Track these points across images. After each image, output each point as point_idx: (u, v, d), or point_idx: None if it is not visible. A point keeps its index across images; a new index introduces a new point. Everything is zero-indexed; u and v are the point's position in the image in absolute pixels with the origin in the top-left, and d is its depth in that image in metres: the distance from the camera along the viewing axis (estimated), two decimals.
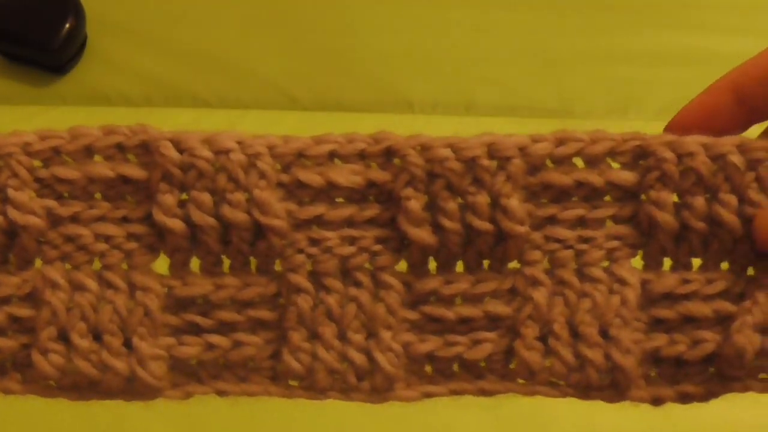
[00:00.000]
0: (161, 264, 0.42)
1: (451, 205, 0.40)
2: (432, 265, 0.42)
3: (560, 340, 0.40)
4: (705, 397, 0.41)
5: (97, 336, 0.41)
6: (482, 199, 0.40)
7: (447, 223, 0.40)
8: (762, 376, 0.40)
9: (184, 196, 0.41)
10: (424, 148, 0.40)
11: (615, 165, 0.41)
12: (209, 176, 0.40)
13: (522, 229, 0.40)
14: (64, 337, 0.41)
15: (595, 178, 0.41)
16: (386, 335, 0.41)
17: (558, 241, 0.41)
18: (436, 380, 0.42)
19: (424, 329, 0.42)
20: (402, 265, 0.42)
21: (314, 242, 0.41)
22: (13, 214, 0.40)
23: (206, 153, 0.40)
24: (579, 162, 0.41)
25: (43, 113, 0.98)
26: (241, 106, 1.01)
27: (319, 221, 0.41)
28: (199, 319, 0.41)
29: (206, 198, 0.40)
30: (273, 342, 0.42)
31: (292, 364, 0.41)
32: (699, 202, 0.40)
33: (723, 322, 0.41)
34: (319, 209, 0.41)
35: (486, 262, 0.42)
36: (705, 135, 0.40)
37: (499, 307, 0.41)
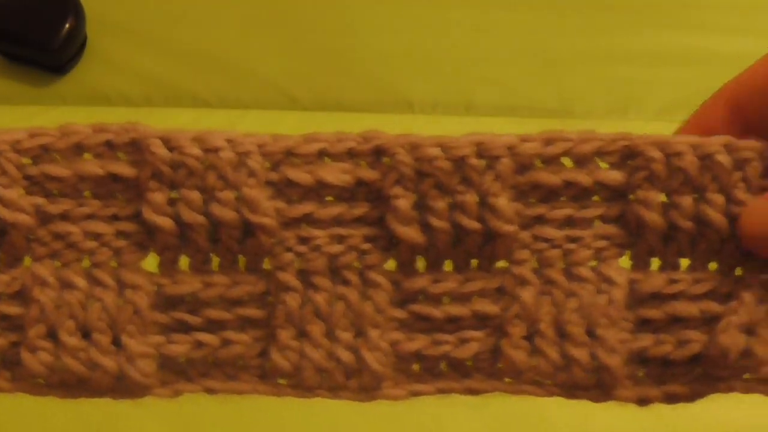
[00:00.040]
0: (151, 262, 0.42)
1: (440, 204, 0.40)
2: (421, 263, 0.42)
3: (546, 339, 0.40)
4: (691, 398, 0.41)
5: (86, 334, 0.41)
6: (471, 199, 0.40)
7: (435, 222, 0.40)
8: (746, 376, 0.40)
9: (173, 194, 0.41)
10: (413, 147, 0.40)
11: (603, 165, 0.41)
12: (199, 174, 0.40)
13: (510, 229, 0.40)
14: (53, 335, 0.41)
15: (583, 178, 0.41)
16: (374, 334, 0.41)
17: (546, 240, 0.41)
18: (424, 379, 0.42)
19: (412, 328, 0.42)
20: (391, 264, 0.42)
21: (303, 240, 0.41)
22: (2, 211, 0.40)
23: (196, 151, 0.40)
24: (568, 162, 0.41)
25: (43, 113, 0.98)
26: (241, 106, 1.01)
27: (308, 219, 0.41)
28: (188, 317, 0.41)
29: (196, 196, 0.40)
30: (262, 340, 0.42)
31: (279, 362, 0.41)
32: (687, 201, 0.40)
33: (710, 322, 0.41)
34: (308, 207, 0.41)
35: (474, 261, 0.42)
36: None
37: (487, 306, 0.41)
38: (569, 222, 0.41)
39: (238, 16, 1.04)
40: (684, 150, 0.40)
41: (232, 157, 0.40)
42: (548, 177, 0.41)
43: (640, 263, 0.41)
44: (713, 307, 0.41)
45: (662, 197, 0.40)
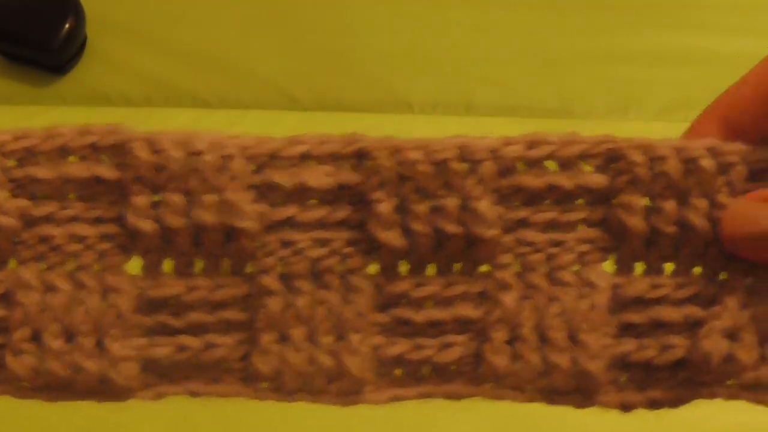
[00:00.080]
0: (134, 265, 0.42)
1: (422, 208, 0.40)
2: (403, 267, 0.42)
3: (528, 344, 0.40)
4: (674, 403, 0.41)
5: (70, 337, 0.41)
6: (453, 202, 0.40)
7: (417, 226, 0.40)
8: (730, 382, 0.40)
9: (157, 197, 0.41)
10: (395, 150, 0.40)
11: (588, 168, 0.41)
12: (181, 177, 0.40)
13: (492, 233, 0.40)
14: (37, 338, 0.41)
15: (566, 182, 0.40)
16: (355, 338, 0.41)
17: (529, 244, 0.41)
18: (406, 383, 0.42)
19: (395, 332, 0.41)
20: (373, 268, 0.42)
21: (285, 244, 0.41)
22: None
23: (179, 154, 0.40)
24: (551, 165, 0.41)
25: (43, 113, 0.98)
26: (241, 106, 1.01)
27: (290, 223, 0.41)
28: (171, 320, 0.41)
29: (179, 199, 0.40)
30: (244, 343, 0.41)
31: (260, 366, 0.41)
32: (670, 206, 0.40)
33: (693, 327, 0.40)
34: (290, 211, 0.41)
35: (457, 266, 0.41)
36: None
37: (470, 311, 0.41)
38: (552, 225, 0.41)
39: (238, 16, 1.04)
40: (667, 154, 0.40)
41: (215, 160, 0.40)
42: (531, 180, 0.40)
43: (623, 267, 0.41)
44: (696, 312, 0.40)
45: (645, 201, 0.40)
